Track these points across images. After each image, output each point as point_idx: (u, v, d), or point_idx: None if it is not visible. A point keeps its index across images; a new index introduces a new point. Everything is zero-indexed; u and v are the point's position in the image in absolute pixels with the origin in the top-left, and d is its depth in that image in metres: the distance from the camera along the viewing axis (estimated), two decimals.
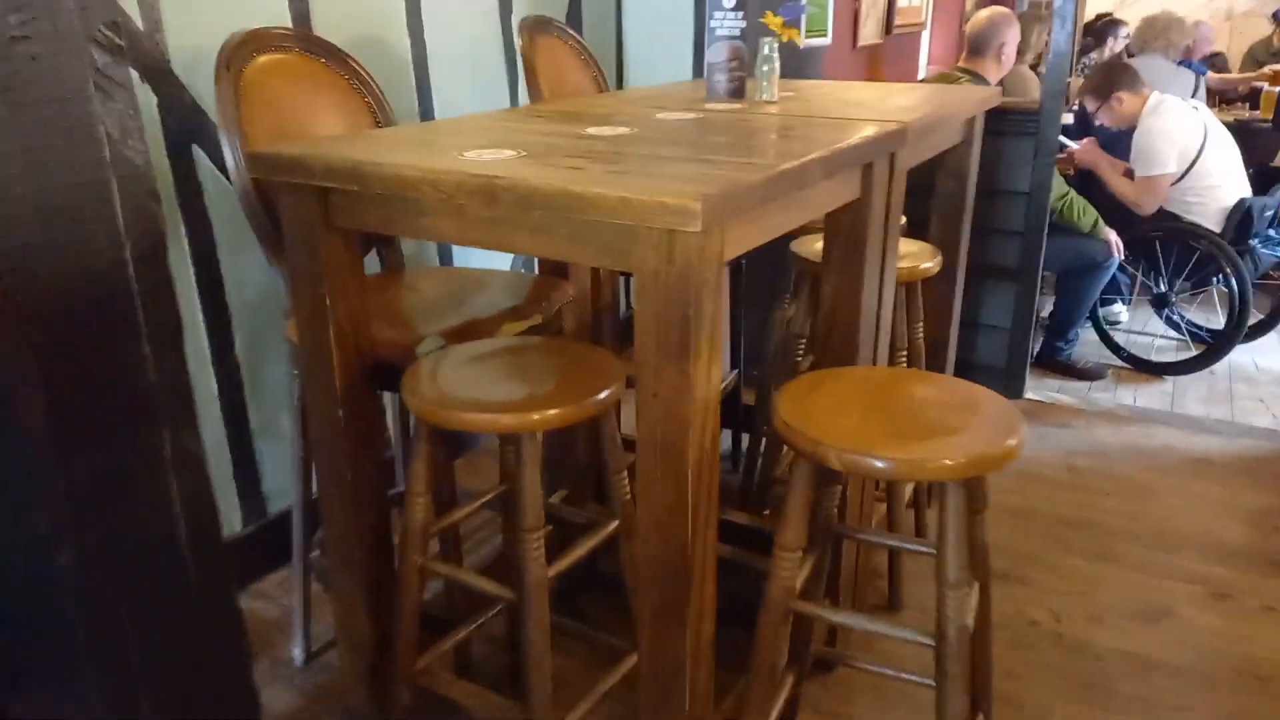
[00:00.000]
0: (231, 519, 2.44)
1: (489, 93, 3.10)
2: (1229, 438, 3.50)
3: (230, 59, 1.91)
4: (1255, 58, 7.46)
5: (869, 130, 1.79)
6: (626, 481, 1.74)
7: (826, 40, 3.72)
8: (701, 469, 1.41)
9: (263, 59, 1.98)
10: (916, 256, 2.33)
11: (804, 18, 2.44)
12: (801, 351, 2.29)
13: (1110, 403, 3.88)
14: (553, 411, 1.46)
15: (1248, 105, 6.21)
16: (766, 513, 2.51)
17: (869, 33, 4.17)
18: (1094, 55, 6.48)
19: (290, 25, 2.36)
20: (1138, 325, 4.77)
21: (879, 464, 1.38)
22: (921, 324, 2.41)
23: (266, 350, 2.42)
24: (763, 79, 2.29)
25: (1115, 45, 6.37)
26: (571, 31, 2.82)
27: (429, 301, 2.00)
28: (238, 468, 2.43)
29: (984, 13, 4.13)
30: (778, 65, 2.29)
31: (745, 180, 1.35)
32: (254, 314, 2.38)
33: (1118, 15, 6.89)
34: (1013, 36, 4.16)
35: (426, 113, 2.86)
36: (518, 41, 2.61)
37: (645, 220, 1.26)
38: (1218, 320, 4.39)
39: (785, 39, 2.26)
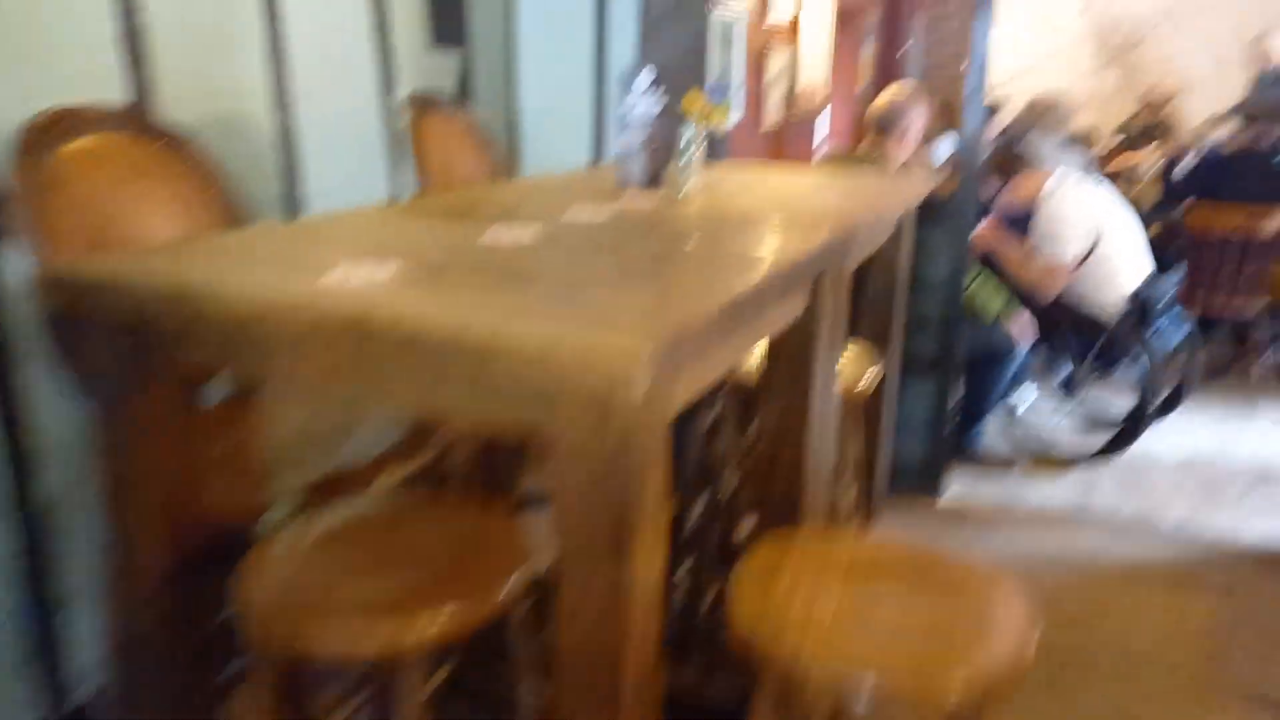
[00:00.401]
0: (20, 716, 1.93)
1: (369, 178, 2.74)
2: (1161, 541, 3.37)
3: (32, 144, 1.52)
4: (1126, 134, 7.78)
5: (822, 235, 1.53)
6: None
7: (735, 119, 3.54)
8: (641, 689, 1.08)
9: (78, 144, 1.60)
10: (856, 362, 2.09)
11: (729, 99, 2.24)
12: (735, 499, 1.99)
13: (1030, 498, 3.73)
14: (443, 619, 1.11)
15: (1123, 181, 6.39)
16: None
17: (769, 115, 4.04)
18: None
19: (122, 100, 1.96)
20: (1046, 410, 4.70)
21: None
22: (861, 440, 2.17)
23: (85, 495, 1.97)
24: (684, 168, 2.03)
25: (995, 125, 6.50)
26: (462, 109, 2.51)
27: (289, 440, 1.62)
28: (35, 644, 1.94)
29: (887, 93, 4.05)
30: (700, 153, 2.04)
31: (697, 315, 1.05)
32: (69, 450, 1.93)
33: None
34: (917, 117, 4.08)
35: (294, 203, 2.48)
36: (402, 120, 2.29)
37: (572, 378, 0.95)
38: (1125, 401, 4.36)
39: (709, 123, 2.02)
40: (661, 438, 1.02)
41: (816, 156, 4.89)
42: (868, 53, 5.63)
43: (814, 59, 4.53)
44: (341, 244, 1.41)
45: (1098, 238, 4.11)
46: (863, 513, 2.56)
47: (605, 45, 3.27)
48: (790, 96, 4.27)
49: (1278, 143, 5.20)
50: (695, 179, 2.04)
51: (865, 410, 2.43)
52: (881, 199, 2.10)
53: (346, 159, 2.66)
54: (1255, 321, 5.02)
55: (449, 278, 1.23)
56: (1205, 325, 4.68)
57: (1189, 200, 5.04)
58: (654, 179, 2.09)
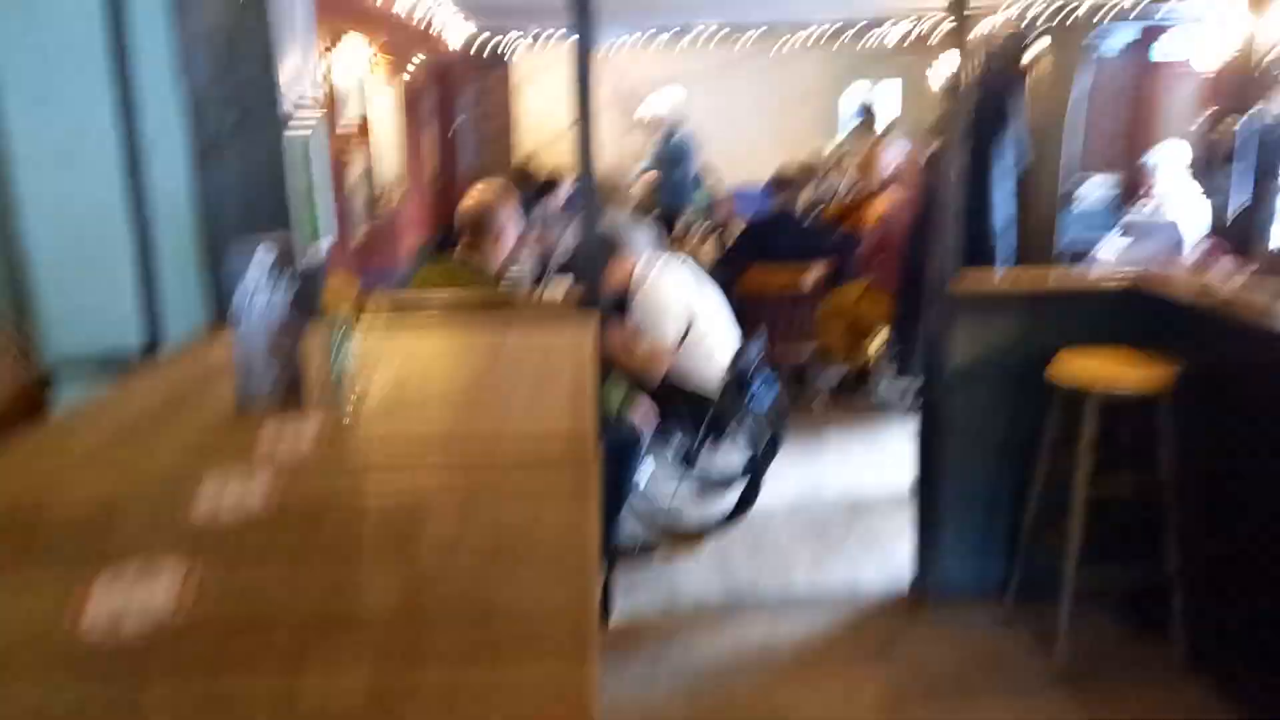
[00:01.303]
0: None
1: None
2: (808, 610, 3.53)
3: None
4: None
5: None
6: None
7: (329, 238, 3.04)
8: None
9: None
10: None
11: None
12: None
13: (684, 590, 3.72)
14: None
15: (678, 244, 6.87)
16: None
17: (355, 225, 3.59)
18: (542, 206, 6.67)
19: None
20: (670, 483, 4.78)
21: None
22: None
23: None
24: (339, 376, 1.56)
25: (560, 199, 6.63)
26: None
27: None
28: None
29: (475, 194, 3.81)
30: (354, 354, 1.59)
31: None
32: None
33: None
34: (509, 215, 3.90)
35: None
36: None
37: None
38: (733, 459, 4.59)
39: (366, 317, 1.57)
40: None
41: (407, 256, 4.51)
42: (430, 143, 5.38)
43: (388, 154, 4.15)
44: None
45: (692, 316, 4.27)
46: None
47: (141, 175, 2.59)
48: (373, 200, 3.84)
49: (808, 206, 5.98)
50: (354, 384, 1.59)
51: None
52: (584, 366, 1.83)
53: None
54: (808, 364, 5.65)
55: None
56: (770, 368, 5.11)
57: (743, 263, 5.52)
58: (291, 395, 1.59)
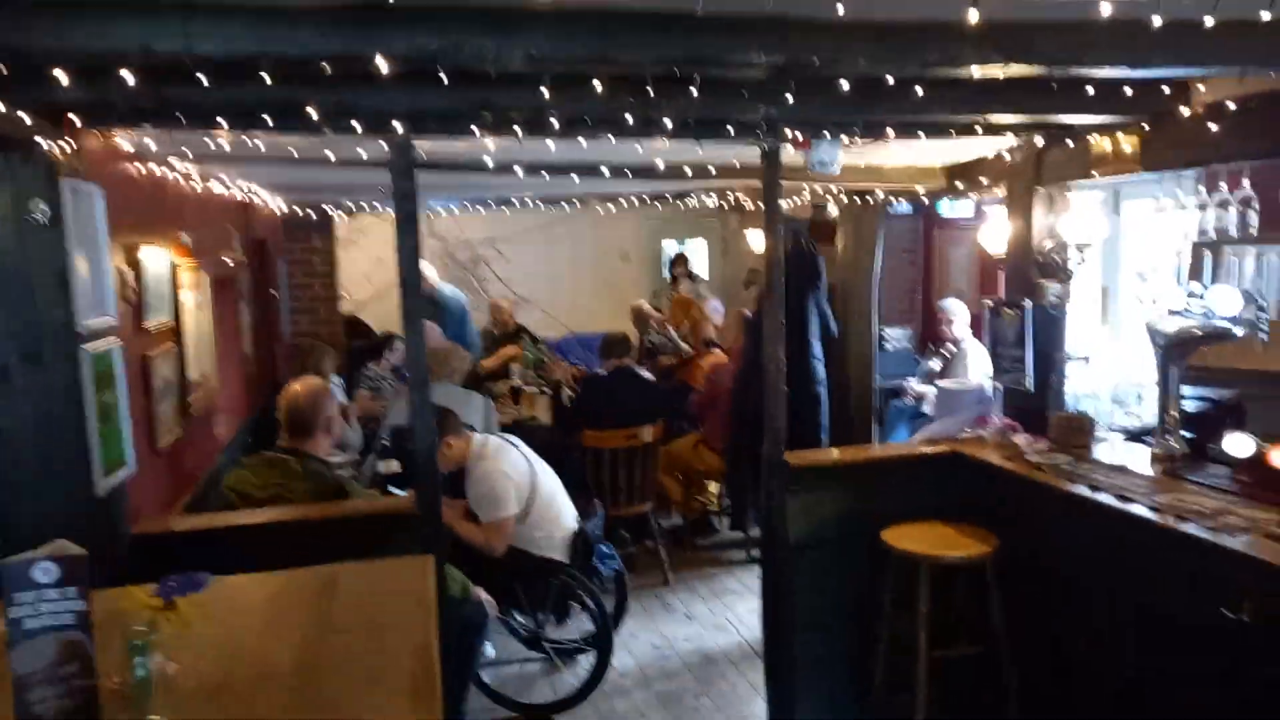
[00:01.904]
0: None
1: None
2: None
3: None
4: (485, 347, 8.39)
5: None
6: None
7: (129, 469, 2.77)
8: None
9: None
10: None
11: (205, 587, 1.63)
12: None
13: None
14: None
15: (512, 402, 6.81)
16: None
17: (167, 429, 3.31)
18: (373, 366, 6.47)
19: None
20: (515, 659, 4.59)
21: None
22: None
23: None
24: (139, 688, 1.39)
25: (393, 358, 6.47)
26: None
27: None
28: None
29: (299, 388, 3.63)
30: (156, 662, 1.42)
31: None
32: None
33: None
34: (331, 404, 3.74)
35: None
36: None
37: None
38: (576, 630, 4.47)
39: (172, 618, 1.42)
40: None
41: (221, 449, 4.20)
42: (246, 317, 5.13)
43: (201, 346, 3.90)
44: None
45: (531, 490, 4.20)
46: None
47: None
48: (183, 400, 3.58)
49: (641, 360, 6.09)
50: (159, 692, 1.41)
51: None
52: None
53: None
54: (648, 516, 5.63)
55: None
56: (609, 527, 5.07)
57: (581, 422, 5.51)
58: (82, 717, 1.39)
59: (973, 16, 1.68)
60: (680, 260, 9.37)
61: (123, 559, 2.77)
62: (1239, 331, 3.14)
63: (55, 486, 2.43)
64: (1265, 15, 1.70)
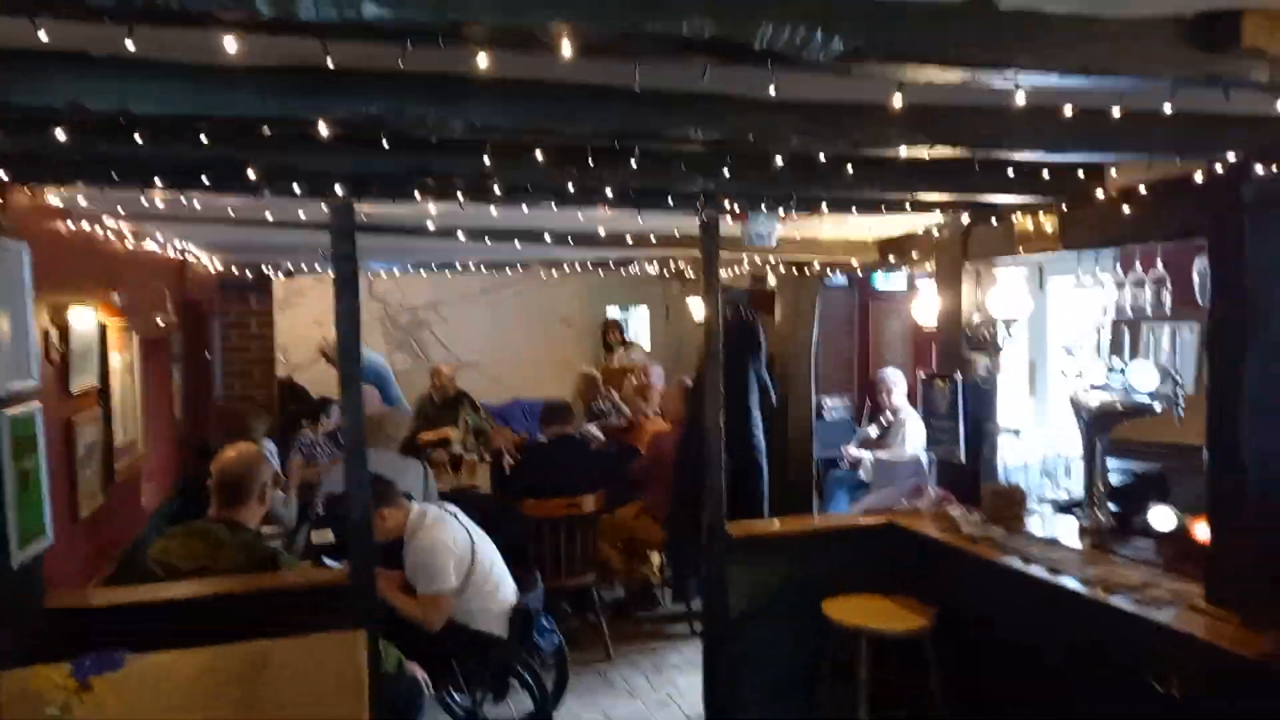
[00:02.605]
0: None
1: None
2: None
3: None
4: (424, 413, 8.27)
5: None
6: None
7: (47, 540, 2.65)
8: None
9: None
10: None
11: (120, 667, 1.56)
12: None
13: None
14: None
15: (451, 469, 6.70)
16: None
17: (89, 497, 3.19)
18: (308, 432, 6.33)
19: None
20: None
21: None
22: None
23: None
24: None
25: (328, 424, 6.34)
26: None
27: None
28: None
29: (233, 454, 3.54)
30: None
31: None
32: None
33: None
34: (266, 471, 3.65)
35: None
36: None
37: None
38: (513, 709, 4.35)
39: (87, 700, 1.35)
40: None
41: (147, 518, 4.05)
42: (177, 379, 5.02)
43: (129, 409, 3.79)
44: None
45: (471, 562, 4.11)
46: None
47: None
48: (108, 466, 3.46)
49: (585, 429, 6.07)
50: None
51: None
52: None
53: None
54: (590, 586, 5.54)
55: None
56: (549, 599, 4.97)
57: (522, 490, 5.45)
58: None
59: (897, 101, 1.76)
60: (612, 326, 9.40)
61: (37, 635, 2.63)
62: (1157, 406, 3.26)
63: None
64: (1167, 108, 1.81)
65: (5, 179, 2.45)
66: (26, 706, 1.50)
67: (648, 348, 10.09)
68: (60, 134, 1.90)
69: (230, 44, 1.36)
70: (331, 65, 1.47)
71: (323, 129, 1.89)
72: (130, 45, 1.32)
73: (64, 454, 3.01)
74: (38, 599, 2.73)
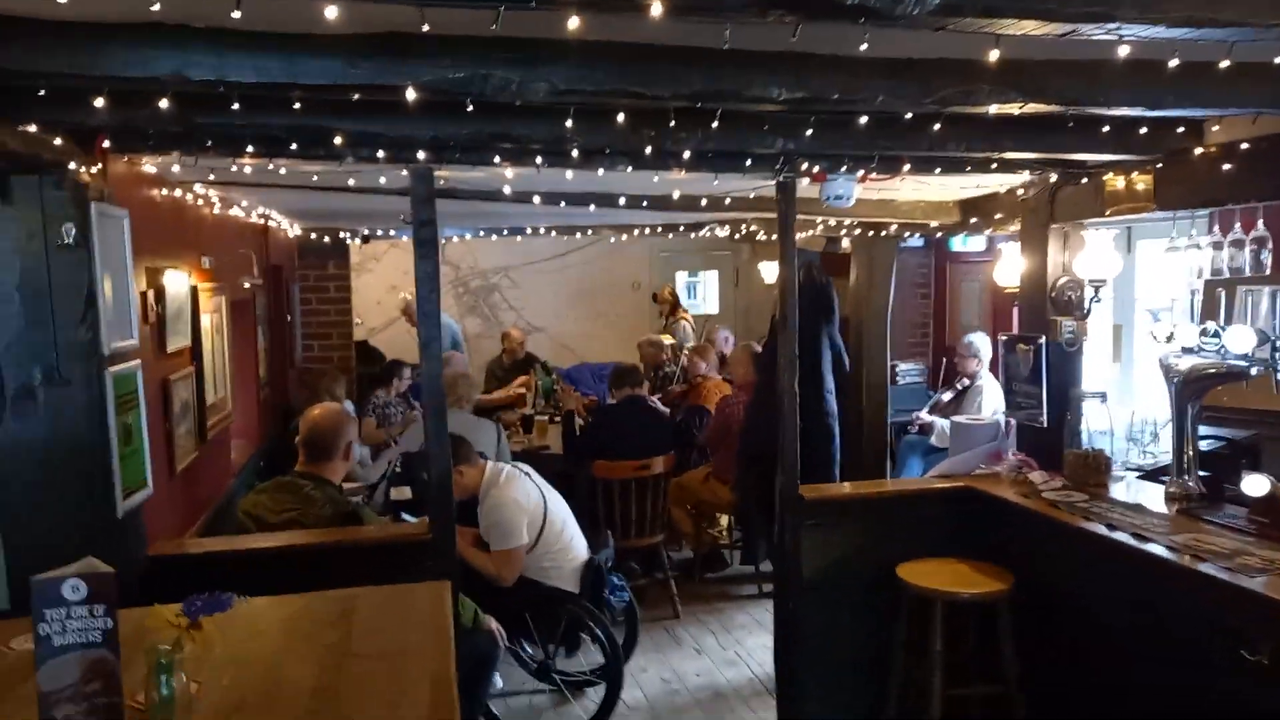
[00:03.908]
0: None
1: None
2: None
3: None
4: (494, 375, 8.40)
5: None
6: None
7: (148, 491, 2.79)
8: None
9: None
10: None
11: (231, 607, 1.65)
12: None
13: None
14: None
15: (523, 431, 6.81)
16: None
17: (184, 452, 3.34)
18: (381, 393, 6.49)
19: None
20: (524, 692, 4.55)
21: None
22: None
23: None
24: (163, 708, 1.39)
25: (401, 385, 6.49)
26: None
27: None
28: None
29: (319, 411, 3.66)
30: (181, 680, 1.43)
31: None
32: None
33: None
34: (351, 429, 3.76)
35: None
36: None
37: None
38: (585, 662, 4.43)
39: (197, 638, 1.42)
40: None
41: (235, 474, 4.23)
42: (261, 341, 5.18)
43: (218, 369, 3.94)
44: None
45: (543, 520, 4.19)
46: None
47: None
48: (202, 422, 3.61)
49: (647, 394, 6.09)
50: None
51: None
52: None
53: None
54: (659, 548, 5.61)
55: None
56: (619, 559, 5.04)
57: (592, 453, 5.51)
58: None
59: (993, 56, 1.71)
60: (662, 297, 9.05)
61: (139, 581, 2.78)
62: (1254, 370, 3.13)
63: (76, 506, 2.46)
64: (1279, 59, 1.73)
65: (106, 148, 2.55)
66: (138, 644, 1.59)
67: (716, 311, 10.05)
68: (164, 104, 1.96)
69: (330, 11, 1.39)
70: (424, 29, 1.49)
71: (410, 95, 1.92)
72: (236, 15, 1.35)
73: (161, 410, 3.15)
74: (142, 547, 2.88)
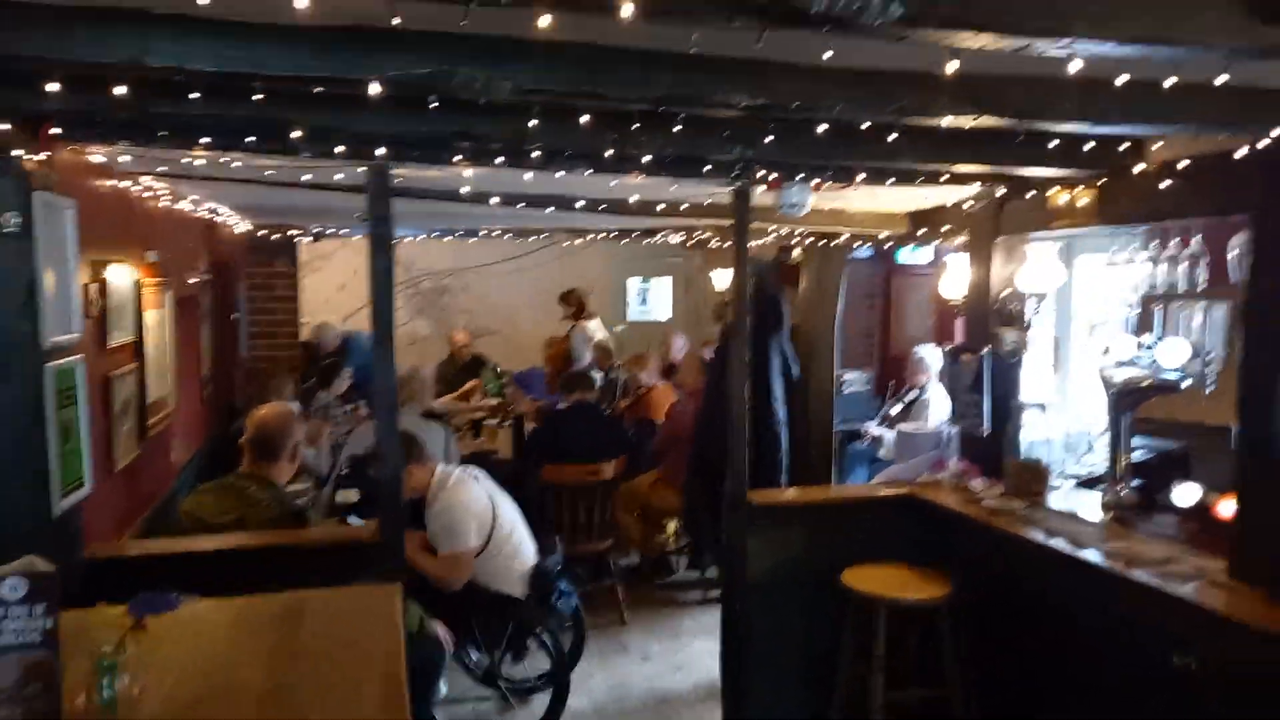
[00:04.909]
0: None
1: None
2: None
3: None
4: (445, 378, 8.30)
5: None
6: None
7: (85, 490, 2.70)
8: None
9: None
10: None
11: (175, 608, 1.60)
12: None
13: None
14: None
15: (472, 434, 6.77)
16: None
17: (125, 450, 3.24)
18: (322, 394, 6.39)
19: None
20: (459, 699, 4.49)
21: None
22: None
23: None
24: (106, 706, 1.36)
25: (340, 386, 6.40)
26: None
27: None
28: None
29: (266, 411, 3.59)
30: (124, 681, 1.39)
31: None
32: None
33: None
34: (299, 430, 3.70)
35: None
36: None
37: None
38: (529, 668, 4.40)
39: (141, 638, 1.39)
40: None
41: (177, 473, 4.12)
42: (206, 339, 5.06)
43: (161, 365, 3.84)
44: None
45: (492, 524, 4.16)
46: None
47: None
48: (143, 419, 3.51)
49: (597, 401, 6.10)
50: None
51: None
52: None
53: None
54: (606, 554, 5.60)
55: None
56: (569, 566, 5.02)
57: (541, 457, 5.49)
58: None
59: (950, 68, 1.76)
60: (567, 297, 8.66)
61: (77, 583, 2.69)
62: (1185, 384, 3.26)
63: (10, 504, 2.37)
64: (1222, 78, 1.80)
65: (55, 136, 2.47)
66: (79, 645, 1.54)
67: (668, 317, 10.08)
68: (120, 91, 1.91)
69: (300, 1, 1.37)
70: (394, 23, 1.48)
71: (373, 89, 1.90)
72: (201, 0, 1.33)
73: (101, 408, 3.06)
74: (79, 548, 2.79)
